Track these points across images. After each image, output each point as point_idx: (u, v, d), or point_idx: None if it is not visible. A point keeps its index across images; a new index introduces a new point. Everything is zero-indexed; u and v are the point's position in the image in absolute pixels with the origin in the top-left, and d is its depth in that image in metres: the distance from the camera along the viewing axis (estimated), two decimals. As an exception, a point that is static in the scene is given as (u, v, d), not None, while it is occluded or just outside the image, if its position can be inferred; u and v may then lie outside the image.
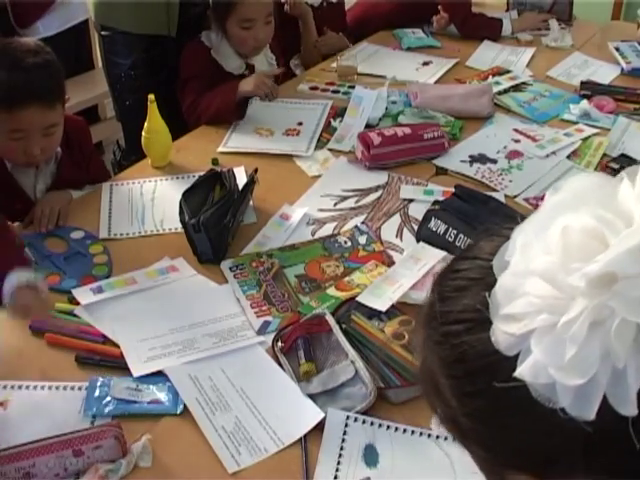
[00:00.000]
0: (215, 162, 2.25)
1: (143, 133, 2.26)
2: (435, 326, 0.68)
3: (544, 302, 0.59)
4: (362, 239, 1.95)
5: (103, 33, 2.69)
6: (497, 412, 0.63)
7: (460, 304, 0.66)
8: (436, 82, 2.87)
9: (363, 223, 2.01)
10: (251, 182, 1.99)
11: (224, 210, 1.84)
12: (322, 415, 1.43)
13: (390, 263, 1.84)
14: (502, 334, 0.61)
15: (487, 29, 3.30)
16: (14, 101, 1.85)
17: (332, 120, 2.55)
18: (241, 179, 2.04)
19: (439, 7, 3.35)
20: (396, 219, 2.04)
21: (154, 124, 2.24)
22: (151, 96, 2.25)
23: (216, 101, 2.46)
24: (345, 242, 1.94)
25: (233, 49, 2.58)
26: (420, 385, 0.74)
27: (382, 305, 1.64)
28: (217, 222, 1.81)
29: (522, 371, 0.59)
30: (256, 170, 2.04)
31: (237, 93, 2.47)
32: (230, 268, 1.82)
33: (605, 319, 0.56)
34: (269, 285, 1.77)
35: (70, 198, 2.06)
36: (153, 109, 2.24)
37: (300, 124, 2.52)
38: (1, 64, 1.87)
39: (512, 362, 0.60)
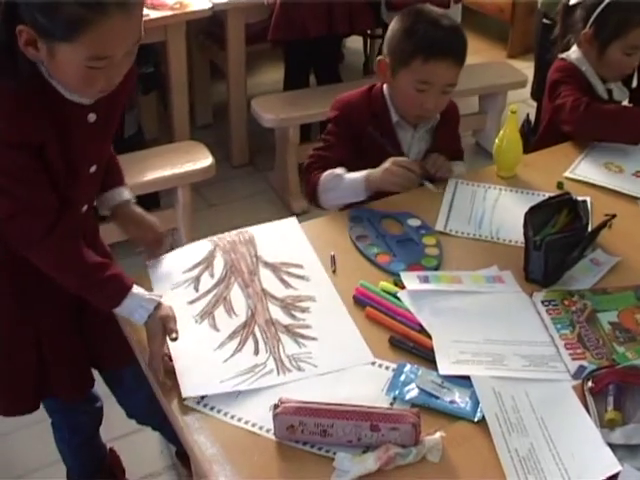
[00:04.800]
0: (560, 186, 2.20)
1: (497, 140, 2.27)
2: None
3: None
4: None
5: None
6: None
7: None
8: None
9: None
10: (604, 225, 1.95)
11: (572, 241, 1.81)
12: (619, 468, 1.36)
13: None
14: None
15: None
16: (433, 53, 2.01)
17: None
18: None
19: None
20: None
21: (510, 134, 2.25)
22: (513, 107, 2.26)
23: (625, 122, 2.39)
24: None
25: (596, 74, 2.48)
26: None
27: None
28: (560, 248, 1.78)
29: None
30: (614, 216, 1.99)
31: None
32: (542, 302, 1.77)
33: None
34: (582, 327, 1.70)
35: None
36: (513, 119, 2.25)
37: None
38: (421, 20, 2.05)
39: None
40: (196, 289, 1.76)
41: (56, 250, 1.60)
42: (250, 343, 1.64)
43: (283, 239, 1.94)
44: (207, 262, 1.84)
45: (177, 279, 1.79)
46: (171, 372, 1.56)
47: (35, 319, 1.79)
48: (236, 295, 1.76)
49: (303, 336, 1.66)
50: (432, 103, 2.07)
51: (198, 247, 1.89)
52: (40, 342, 1.82)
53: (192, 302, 1.73)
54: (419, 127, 2.20)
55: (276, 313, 1.72)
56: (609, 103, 2.50)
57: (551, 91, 2.50)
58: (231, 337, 1.65)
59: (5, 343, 1.81)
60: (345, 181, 2.07)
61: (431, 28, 2.03)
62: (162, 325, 1.58)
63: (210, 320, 1.69)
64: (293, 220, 2.01)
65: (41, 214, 1.57)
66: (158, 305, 1.60)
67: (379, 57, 2.15)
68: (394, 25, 2.10)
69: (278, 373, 1.57)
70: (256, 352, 1.62)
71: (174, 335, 1.58)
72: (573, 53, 2.51)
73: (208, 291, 1.76)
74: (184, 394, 1.51)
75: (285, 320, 1.70)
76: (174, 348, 1.59)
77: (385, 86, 2.18)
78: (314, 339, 1.66)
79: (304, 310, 1.73)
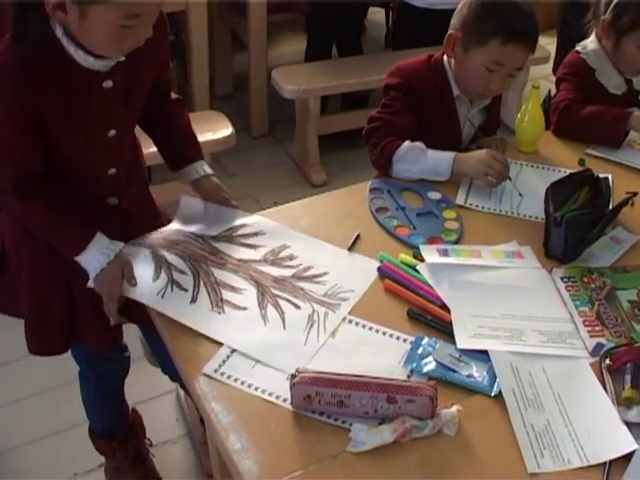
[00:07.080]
0: (582, 162, 2.19)
1: (518, 115, 2.26)
2: None
3: None
4: None
5: None
6: None
7: None
8: None
9: None
10: (626, 203, 1.92)
11: (593, 218, 1.80)
12: (634, 447, 1.36)
13: None
14: None
15: None
16: (513, 36, 1.99)
17: None
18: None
19: None
20: None
21: (532, 109, 2.23)
22: (536, 82, 2.24)
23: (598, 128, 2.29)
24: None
25: (614, 66, 2.38)
26: None
27: None
28: (580, 225, 1.77)
29: None
30: (635, 194, 1.96)
31: (627, 125, 2.28)
32: (561, 278, 1.76)
33: None
34: (601, 305, 1.70)
35: None
36: (535, 95, 2.23)
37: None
38: (504, 1, 2.02)
39: None
40: (184, 289, 1.65)
41: (20, 206, 1.67)
42: (285, 304, 1.64)
43: (198, 214, 1.86)
44: (165, 264, 1.70)
45: (154, 290, 1.65)
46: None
47: (67, 265, 1.76)
48: (223, 276, 1.69)
49: (315, 276, 1.71)
50: (498, 84, 2.06)
51: (138, 256, 1.72)
52: (71, 287, 1.82)
53: (193, 301, 1.64)
54: (475, 104, 2.18)
55: (273, 271, 1.71)
56: (620, 99, 2.40)
57: (556, 88, 2.45)
58: (261, 307, 1.63)
59: (38, 283, 1.83)
60: (428, 158, 2.02)
61: (514, 11, 1.99)
62: (121, 270, 1.64)
63: (228, 305, 1.63)
64: (185, 197, 1.91)
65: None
66: (119, 252, 1.66)
67: (450, 31, 2.09)
68: (472, 2, 2.05)
69: (334, 311, 1.62)
70: (297, 307, 1.63)
71: (133, 282, 1.64)
72: (590, 43, 2.41)
73: (196, 285, 1.67)
74: (293, 371, 1.43)
75: (287, 272, 1.71)
76: (243, 349, 1.53)
77: (445, 58, 2.15)
78: (326, 273, 1.71)
79: (291, 258, 1.75)
